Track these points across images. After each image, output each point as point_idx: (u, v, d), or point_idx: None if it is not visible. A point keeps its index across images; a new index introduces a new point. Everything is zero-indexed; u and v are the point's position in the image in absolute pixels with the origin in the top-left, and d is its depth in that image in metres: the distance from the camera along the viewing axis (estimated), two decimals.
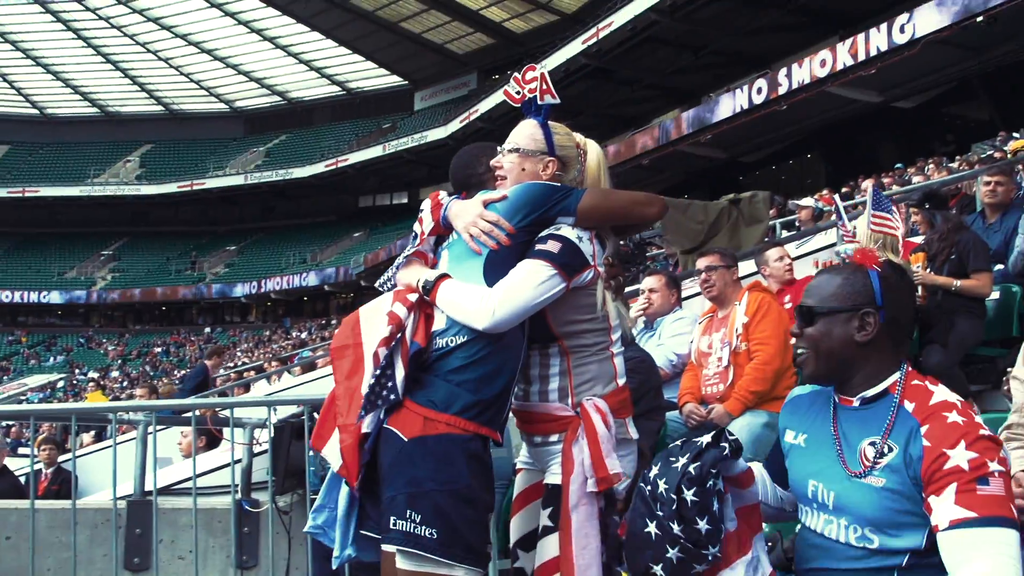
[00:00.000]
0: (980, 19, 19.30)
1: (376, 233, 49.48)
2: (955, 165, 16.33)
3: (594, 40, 32.21)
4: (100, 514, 5.52)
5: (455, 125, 42.02)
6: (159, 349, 50.10)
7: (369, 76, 54.25)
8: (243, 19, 51.30)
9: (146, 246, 56.65)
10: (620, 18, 31.08)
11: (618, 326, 2.77)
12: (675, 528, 2.13)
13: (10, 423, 17.50)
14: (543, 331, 2.68)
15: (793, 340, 2.34)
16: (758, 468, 2.45)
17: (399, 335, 2.57)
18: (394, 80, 53.57)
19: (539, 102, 2.86)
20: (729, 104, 26.70)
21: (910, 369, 2.19)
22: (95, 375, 44.45)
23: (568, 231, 2.61)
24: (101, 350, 51.95)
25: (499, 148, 2.87)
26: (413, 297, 2.64)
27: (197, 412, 5.62)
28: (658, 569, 2.16)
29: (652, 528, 2.17)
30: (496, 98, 38.63)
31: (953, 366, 4.96)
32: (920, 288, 5.31)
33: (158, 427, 5.32)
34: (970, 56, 21.89)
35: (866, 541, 2.11)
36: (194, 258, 55.51)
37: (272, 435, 4.79)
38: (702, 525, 2.13)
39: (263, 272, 51.03)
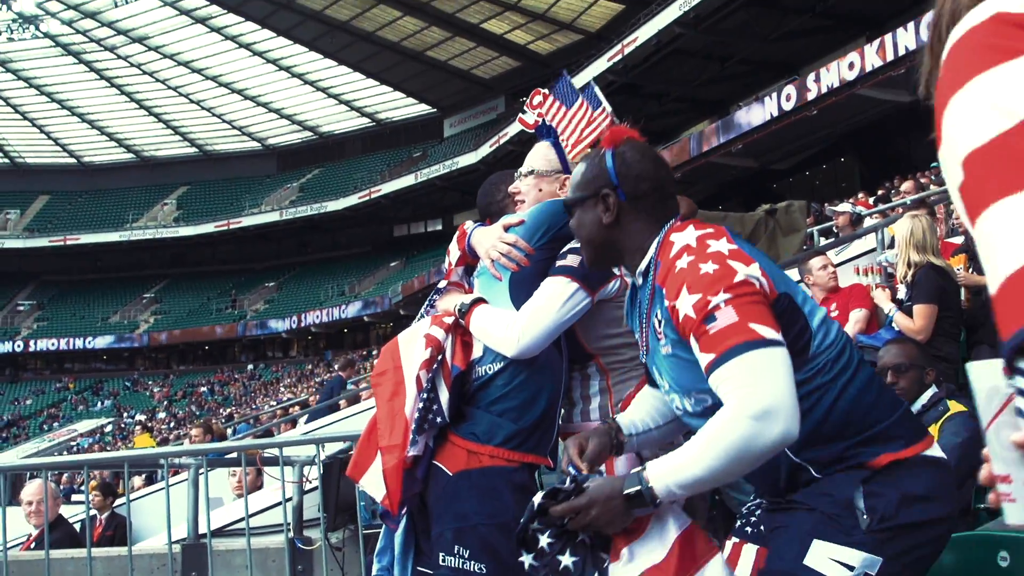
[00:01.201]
0: None
1: (413, 261, 49.68)
2: None
3: (620, 56, 32.26)
4: (156, 559, 5.55)
5: (485, 150, 42.18)
6: (204, 388, 50.51)
7: (398, 106, 54.65)
8: (271, 57, 51.97)
9: (186, 287, 57.29)
10: (644, 33, 31.13)
11: None
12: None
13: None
14: (578, 350, 2.68)
15: None
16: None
17: (439, 357, 2.58)
18: (423, 108, 53.92)
19: (549, 122, 2.88)
20: (759, 112, 26.59)
21: (670, 225, 2.11)
22: (142, 417, 44.84)
23: None
24: (147, 392, 52.49)
25: (516, 173, 2.89)
26: (450, 320, 2.65)
27: (245, 453, 5.63)
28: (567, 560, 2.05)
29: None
30: None
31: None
32: (964, 291, 5.21)
33: (209, 469, 5.32)
34: None
35: (701, 403, 2.05)
36: (234, 296, 56.01)
37: (321, 472, 4.79)
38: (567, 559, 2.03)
39: (302, 306, 51.35)
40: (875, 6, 27.66)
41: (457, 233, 2.88)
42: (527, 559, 2.03)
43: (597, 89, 4.57)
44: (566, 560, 2.00)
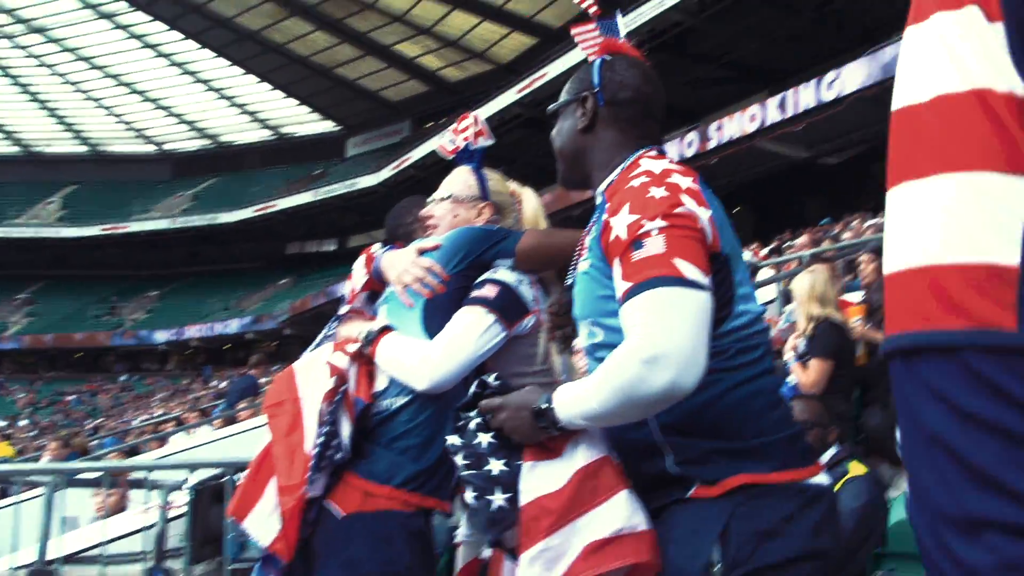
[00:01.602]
0: None
1: (303, 281, 48.93)
2: (881, 221, 16.55)
3: (528, 90, 32.49)
4: None
5: (387, 172, 41.89)
6: (72, 397, 48.54)
7: (302, 121, 54.11)
8: (176, 60, 50.90)
9: (64, 290, 55.19)
10: (554, 69, 31.43)
11: (565, 381, 2.53)
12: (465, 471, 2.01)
13: None
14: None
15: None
16: None
17: (343, 388, 2.40)
18: (327, 126, 53.49)
19: (472, 146, 2.75)
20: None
21: (644, 150, 2.02)
22: (2, 424, 42.81)
23: (506, 274, 2.45)
24: (10, 398, 50.10)
25: (429, 199, 2.76)
26: (353, 347, 2.47)
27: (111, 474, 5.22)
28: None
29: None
30: (429, 146, 38.63)
31: (895, 427, 4.81)
32: (862, 345, 5.26)
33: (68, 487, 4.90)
34: None
35: (591, 337, 1.96)
36: (114, 303, 54.23)
37: (191, 498, 4.43)
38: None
39: (184, 319, 50.00)
40: (779, 61, 28.43)
41: (363, 256, 2.72)
42: (452, 438, 2.02)
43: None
44: (485, 439, 1.97)
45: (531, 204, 2.74)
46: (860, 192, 25.88)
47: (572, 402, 1.82)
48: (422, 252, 2.52)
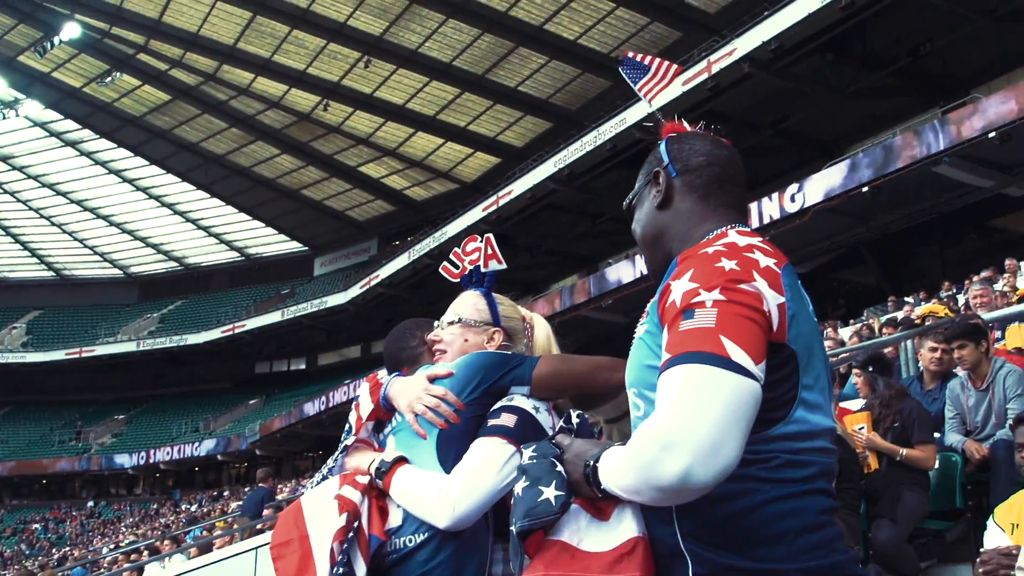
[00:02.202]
0: (865, 190, 20.44)
1: (272, 400, 48.46)
2: (848, 331, 16.83)
3: (494, 207, 33.02)
4: None
5: (355, 291, 42.06)
6: (37, 525, 47.26)
7: (268, 242, 54.26)
8: (141, 185, 51.16)
9: (28, 416, 54.20)
10: (519, 187, 32.05)
11: None
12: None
13: None
14: (505, 522, 2.34)
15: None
16: None
17: (356, 524, 2.22)
18: (294, 246, 53.68)
19: (483, 269, 2.65)
20: (628, 270, 27.38)
21: (739, 227, 1.83)
22: None
23: (523, 401, 2.29)
24: None
25: (436, 323, 2.64)
26: (364, 479, 2.30)
27: None
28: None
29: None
30: (396, 264, 38.98)
31: (903, 541, 4.85)
32: (868, 453, 5.21)
33: None
34: (858, 224, 23.07)
35: (635, 408, 1.79)
36: (79, 428, 53.20)
37: None
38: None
39: (152, 442, 49.18)
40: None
41: (368, 384, 2.55)
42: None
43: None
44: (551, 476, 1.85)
45: (542, 329, 2.63)
46: (828, 300, 26.42)
47: (606, 471, 1.69)
48: (433, 379, 2.38)
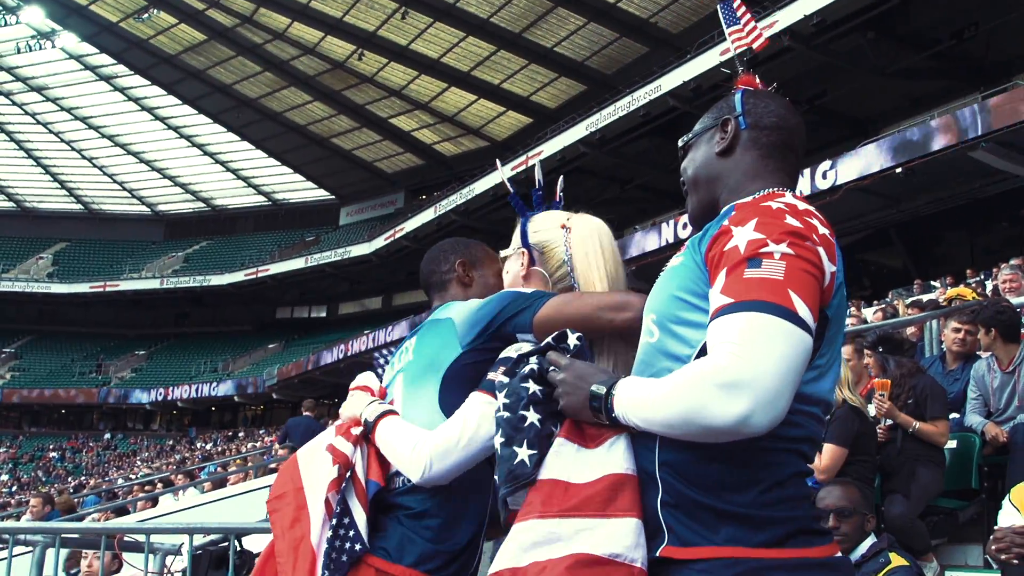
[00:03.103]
0: (899, 171, 20.20)
1: (292, 346, 48.81)
2: (871, 310, 16.75)
3: (523, 168, 32.87)
4: None
5: (380, 242, 42.13)
6: (54, 453, 48.04)
7: (296, 188, 54.38)
8: (172, 124, 51.31)
9: (51, 346, 54.88)
10: (550, 148, 31.90)
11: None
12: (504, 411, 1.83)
13: None
14: None
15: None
16: None
17: (348, 474, 2.19)
18: (321, 194, 53.77)
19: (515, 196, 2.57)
20: (654, 238, 27.28)
21: (792, 192, 1.84)
22: None
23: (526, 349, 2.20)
24: None
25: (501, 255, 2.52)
26: (357, 430, 2.26)
27: (107, 536, 5.22)
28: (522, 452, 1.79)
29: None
30: (423, 218, 39.02)
31: (915, 517, 4.85)
32: (882, 421, 5.17)
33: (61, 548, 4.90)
34: (888, 205, 22.84)
35: (648, 334, 1.80)
36: (100, 361, 53.85)
37: (190, 564, 4.48)
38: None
39: (171, 379, 49.70)
40: None
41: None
42: (499, 376, 1.90)
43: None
44: (532, 387, 1.81)
45: (579, 232, 2.37)
46: (853, 281, 26.25)
47: (634, 401, 1.66)
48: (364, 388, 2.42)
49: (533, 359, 1.85)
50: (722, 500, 1.64)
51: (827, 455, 4.68)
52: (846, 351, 5.14)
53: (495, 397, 1.95)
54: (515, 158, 33.86)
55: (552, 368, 1.80)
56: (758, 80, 2.02)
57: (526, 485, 1.75)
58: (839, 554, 1.74)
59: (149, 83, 48.32)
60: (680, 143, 2.06)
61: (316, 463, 2.26)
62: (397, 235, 40.73)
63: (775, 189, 1.83)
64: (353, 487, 2.19)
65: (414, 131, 45.69)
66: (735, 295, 1.60)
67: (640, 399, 1.65)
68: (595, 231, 2.39)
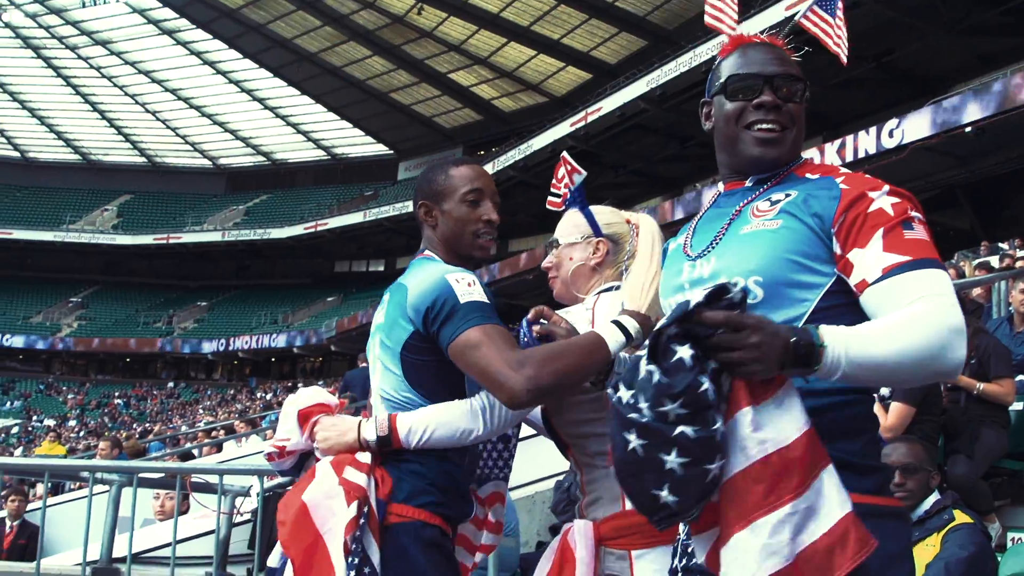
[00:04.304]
0: (968, 129, 19.71)
1: (350, 299, 49.28)
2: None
3: (582, 123, 32.67)
4: None
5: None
6: (119, 401, 49.25)
7: (355, 143, 54.62)
8: (234, 78, 51.73)
9: (116, 296, 56.08)
10: (609, 104, 31.61)
11: None
12: (659, 423, 1.57)
13: None
14: (556, 438, 2.41)
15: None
16: None
17: (365, 509, 2.15)
18: (379, 149, 53.96)
19: (571, 188, 2.65)
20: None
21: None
22: (51, 423, 43.53)
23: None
24: (60, 398, 50.99)
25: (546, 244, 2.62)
26: (365, 457, 2.22)
27: (180, 476, 5.38)
28: (665, 493, 1.59)
29: (634, 441, 1.60)
30: None
31: (978, 478, 4.81)
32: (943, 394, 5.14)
33: (131, 487, 5.05)
34: (956, 165, 22.32)
35: (751, 296, 1.77)
36: (164, 311, 54.94)
37: (260, 505, 4.60)
38: (673, 407, 1.56)
39: (232, 330, 50.53)
40: (832, 108, 28.40)
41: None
42: (646, 366, 1.59)
43: None
44: (706, 385, 1.55)
45: (647, 231, 2.51)
46: None
47: (850, 338, 1.62)
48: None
49: (672, 329, 1.59)
50: (835, 448, 1.68)
51: (895, 414, 4.69)
52: None
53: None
54: (574, 114, 33.63)
55: (720, 329, 1.57)
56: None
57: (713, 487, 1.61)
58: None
59: (211, 37, 48.72)
60: (798, 93, 2.04)
61: (328, 506, 2.17)
62: None
63: (809, 159, 2.01)
64: (367, 524, 2.15)
65: (473, 86, 45.55)
66: (912, 253, 1.72)
67: (863, 335, 1.65)
68: (656, 232, 2.51)
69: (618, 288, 2.43)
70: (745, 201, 1.94)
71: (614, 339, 2.15)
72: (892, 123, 21.24)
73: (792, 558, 1.55)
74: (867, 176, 1.84)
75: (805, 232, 1.79)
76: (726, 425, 1.58)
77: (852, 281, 1.76)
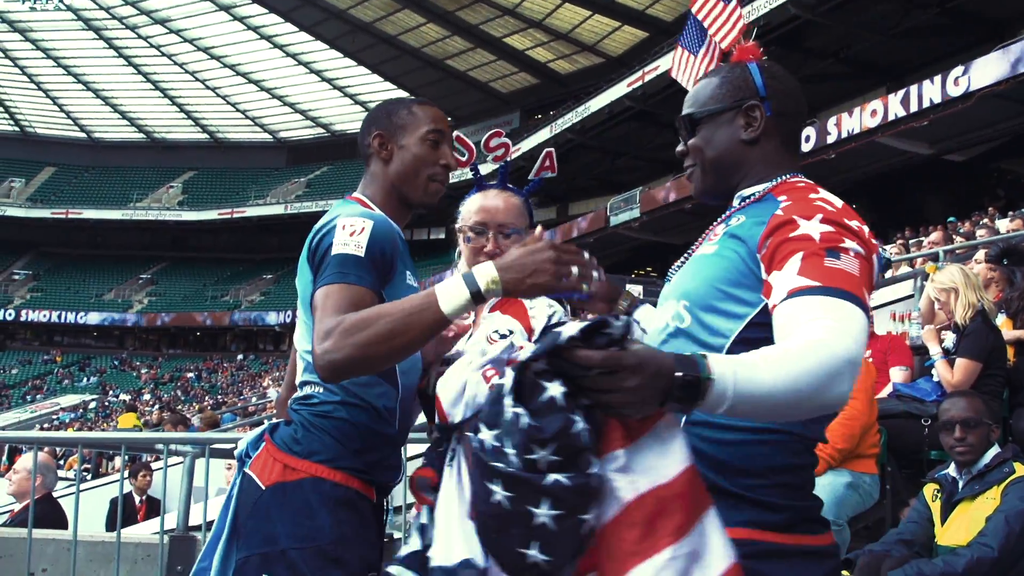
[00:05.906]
0: None
1: None
2: (1006, 221, 15.99)
3: (639, 83, 32.22)
4: (142, 548, 5.36)
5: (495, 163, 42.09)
6: (191, 374, 50.26)
7: None
8: (291, 51, 51.97)
9: (184, 271, 57.10)
10: (667, 62, 30.99)
11: None
12: (529, 472, 1.40)
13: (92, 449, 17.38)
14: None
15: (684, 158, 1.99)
16: None
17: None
18: None
19: (532, 176, 2.64)
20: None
21: (804, 179, 1.84)
22: (127, 397, 44.60)
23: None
24: (134, 373, 52.21)
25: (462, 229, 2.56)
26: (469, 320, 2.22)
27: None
28: (535, 552, 1.41)
29: (499, 493, 1.43)
30: (538, 137, 38.71)
31: None
32: (1009, 347, 5.01)
33: (203, 458, 5.10)
34: None
35: (677, 319, 1.75)
36: (230, 285, 55.82)
37: None
38: (544, 454, 1.39)
39: (297, 302, 51.03)
40: (897, 57, 27.68)
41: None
42: (512, 407, 1.41)
43: None
44: (580, 425, 1.39)
45: None
46: (986, 190, 25.06)
47: (746, 371, 1.44)
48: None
49: (539, 364, 1.41)
50: (735, 484, 1.67)
51: (960, 369, 4.60)
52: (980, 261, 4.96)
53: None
54: (631, 74, 33.17)
55: (595, 370, 1.39)
56: (760, 50, 1.99)
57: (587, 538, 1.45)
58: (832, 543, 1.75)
59: (267, 11, 48.90)
60: (684, 117, 1.96)
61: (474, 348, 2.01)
62: (513, 155, 40.37)
63: (794, 176, 1.86)
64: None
65: (528, 50, 45.17)
66: (824, 280, 1.58)
67: (752, 363, 1.47)
68: None
69: None
70: (718, 221, 1.89)
71: (452, 298, 1.84)
72: (958, 71, 20.59)
73: None
74: (816, 203, 1.71)
75: (735, 261, 1.73)
76: (600, 466, 1.42)
77: (770, 305, 1.64)
